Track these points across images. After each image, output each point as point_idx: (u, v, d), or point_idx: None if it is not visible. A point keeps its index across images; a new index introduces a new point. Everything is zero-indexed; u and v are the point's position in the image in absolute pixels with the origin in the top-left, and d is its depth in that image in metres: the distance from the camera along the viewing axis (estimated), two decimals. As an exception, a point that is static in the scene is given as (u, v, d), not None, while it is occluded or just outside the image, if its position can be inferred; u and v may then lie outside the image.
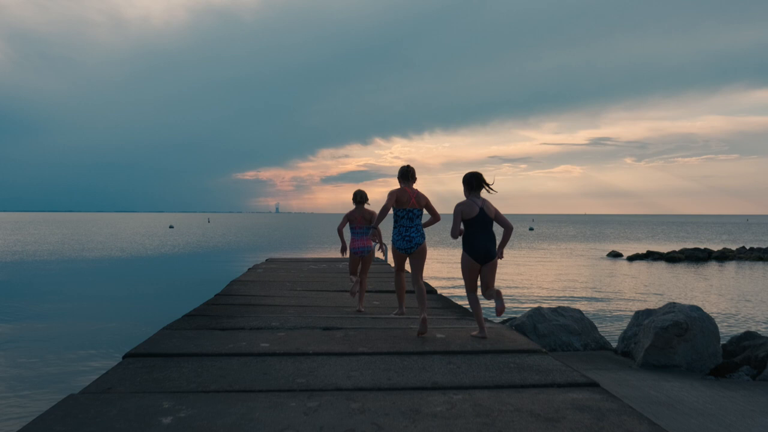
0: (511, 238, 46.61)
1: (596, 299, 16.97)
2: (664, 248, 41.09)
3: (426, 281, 12.84)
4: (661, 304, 16.36)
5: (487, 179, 6.35)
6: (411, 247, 6.87)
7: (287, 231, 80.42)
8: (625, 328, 10.36)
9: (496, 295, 6.07)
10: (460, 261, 6.39)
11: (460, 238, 6.41)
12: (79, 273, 24.29)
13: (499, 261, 6.28)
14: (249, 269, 15.88)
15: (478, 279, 6.40)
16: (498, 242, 6.27)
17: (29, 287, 19.57)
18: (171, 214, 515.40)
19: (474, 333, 6.43)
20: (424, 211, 7.13)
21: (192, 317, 7.75)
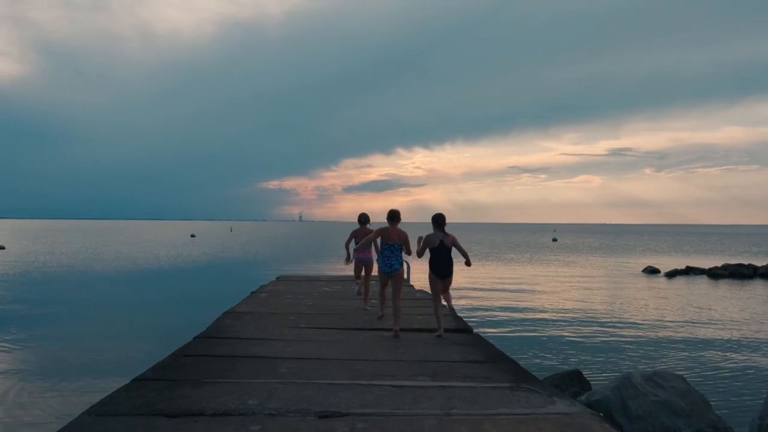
0: (537, 249, 43.32)
1: (672, 342, 12.69)
2: (696, 262, 38.14)
3: (460, 316, 10.44)
4: (752, 340, 12.91)
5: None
6: (391, 271, 8.68)
7: (308, 241, 78.22)
8: (741, 396, 7.87)
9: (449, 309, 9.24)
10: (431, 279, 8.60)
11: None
12: (78, 288, 22.25)
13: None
14: (252, 293, 13.64)
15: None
16: (454, 265, 8.62)
17: (9, 308, 17.55)
18: (197, 221, 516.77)
19: (436, 335, 8.43)
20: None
21: (142, 384, 5.48)
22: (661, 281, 27.02)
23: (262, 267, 32.99)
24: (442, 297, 8.67)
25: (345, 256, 10.89)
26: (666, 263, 37.28)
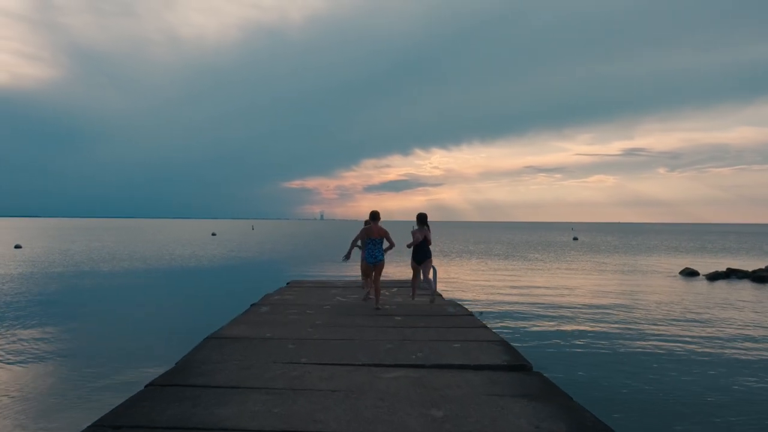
0: (560, 249, 40.58)
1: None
2: (731, 263, 35.26)
3: (514, 347, 7.62)
4: None
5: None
6: (375, 262, 10.56)
7: (327, 240, 75.72)
8: None
9: (429, 285, 11.26)
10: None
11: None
12: (73, 291, 20.03)
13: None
14: (252, 305, 11.22)
15: (420, 273, 11.21)
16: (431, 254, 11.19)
17: None
18: (221, 220, 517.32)
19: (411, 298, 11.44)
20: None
21: None
22: (703, 285, 24.14)
23: (275, 268, 30.59)
24: (422, 278, 11.24)
25: (347, 252, 10.99)
26: (701, 264, 34.29)
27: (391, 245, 10.61)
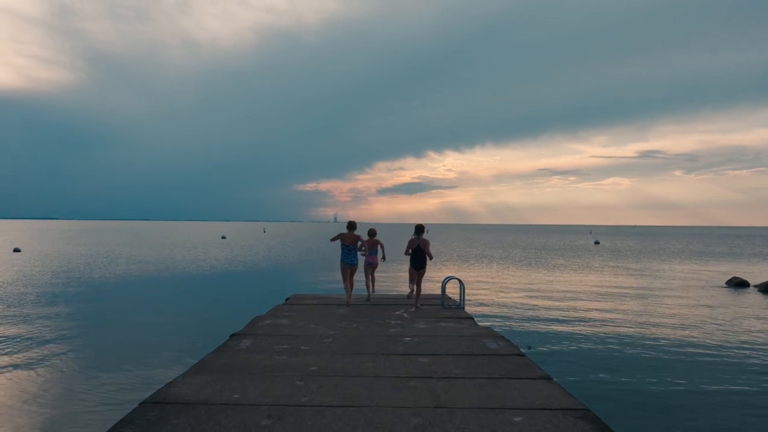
0: (583, 253, 37.65)
1: None
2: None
3: (591, 411, 4.69)
4: None
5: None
6: (352, 264, 12.01)
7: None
8: None
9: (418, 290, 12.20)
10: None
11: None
12: (51, 301, 17.74)
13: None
14: (232, 336, 8.70)
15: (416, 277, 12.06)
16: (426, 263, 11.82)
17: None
18: (235, 222, 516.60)
19: (408, 298, 13.01)
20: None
21: None
22: (759, 298, 21.30)
23: (278, 276, 27.99)
24: (417, 284, 12.14)
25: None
26: (741, 272, 31.36)
27: (363, 245, 12.32)
